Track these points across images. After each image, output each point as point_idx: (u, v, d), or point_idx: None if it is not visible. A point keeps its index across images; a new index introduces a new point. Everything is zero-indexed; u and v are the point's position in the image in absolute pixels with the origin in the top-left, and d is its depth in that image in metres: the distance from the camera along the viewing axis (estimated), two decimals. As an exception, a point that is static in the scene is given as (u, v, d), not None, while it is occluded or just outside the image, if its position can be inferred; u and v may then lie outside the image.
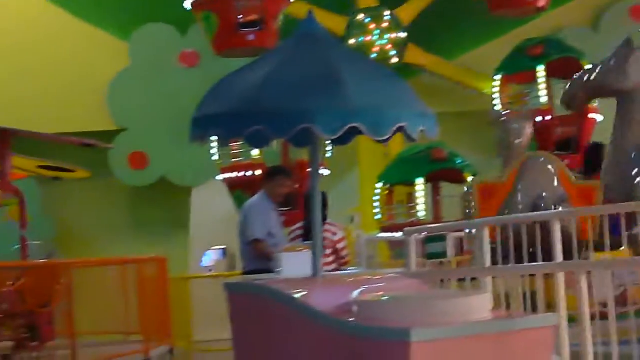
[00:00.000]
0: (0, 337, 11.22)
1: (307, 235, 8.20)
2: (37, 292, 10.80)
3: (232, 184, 16.27)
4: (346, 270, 9.54)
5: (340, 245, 9.68)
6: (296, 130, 5.48)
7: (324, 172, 15.80)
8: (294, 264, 6.45)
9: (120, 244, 17.53)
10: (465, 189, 12.99)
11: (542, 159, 11.02)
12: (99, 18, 17.93)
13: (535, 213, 9.50)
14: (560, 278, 7.61)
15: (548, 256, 7.89)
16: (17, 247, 11.56)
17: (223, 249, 16.14)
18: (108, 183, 17.79)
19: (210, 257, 16.33)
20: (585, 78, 9.79)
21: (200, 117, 5.80)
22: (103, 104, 17.71)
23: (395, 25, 17.37)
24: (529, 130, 11.48)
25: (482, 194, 10.79)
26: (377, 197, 16.39)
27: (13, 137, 11.52)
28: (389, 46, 17.31)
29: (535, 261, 7.98)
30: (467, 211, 11.84)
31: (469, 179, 15.37)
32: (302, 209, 8.81)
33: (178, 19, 16.92)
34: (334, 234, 9.65)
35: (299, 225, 9.14)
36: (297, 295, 5.49)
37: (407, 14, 17.68)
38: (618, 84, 9.53)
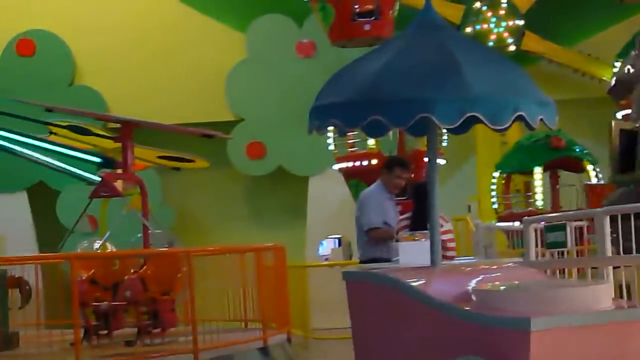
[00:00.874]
0: (123, 324, 11.51)
1: (414, 225, 8.16)
2: (159, 280, 11.03)
3: (348, 173, 16.34)
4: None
5: (445, 237, 9.61)
6: (414, 120, 5.47)
7: (441, 161, 15.74)
8: (411, 252, 6.45)
9: (238, 233, 17.77)
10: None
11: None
12: (217, 10, 18.18)
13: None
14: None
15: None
16: (139, 235, 11.81)
17: (338, 238, 16.23)
18: (226, 173, 18.04)
19: (326, 246, 16.45)
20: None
21: (319, 107, 5.85)
22: (221, 95, 17.96)
23: (512, 12, 17.18)
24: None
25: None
26: (494, 186, 16.27)
27: (135, 128, 11.76)
28: (506, 34, 17.14)
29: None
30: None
31: (588, 167, 15.15)
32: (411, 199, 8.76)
33: (294, 10, 17.05)
34: (440, 225, 9.59)
35: (406, 215, 9.13)
36: (415, 284, 5.51)
37: (524, 0, 17.47)
38: None
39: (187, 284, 10.46)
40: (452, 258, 9.72)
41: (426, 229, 6.43)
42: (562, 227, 8.74)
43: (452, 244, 9.69)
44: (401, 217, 9.15)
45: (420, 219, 7.62)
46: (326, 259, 16.01)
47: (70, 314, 10.16)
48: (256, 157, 17.87)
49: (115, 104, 17.56)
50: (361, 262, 9.79)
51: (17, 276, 12.19)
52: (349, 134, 15.64)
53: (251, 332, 11.46)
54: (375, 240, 9.48)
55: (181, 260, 11.00)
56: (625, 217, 8.20)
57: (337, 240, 16.38)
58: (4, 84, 17.22)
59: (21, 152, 11.92)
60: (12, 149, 11.90)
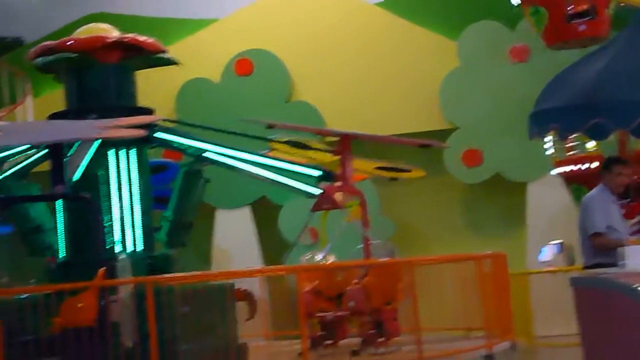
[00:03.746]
0: (347, 334, 11.71)
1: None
2: (381, 290, 11.16)
3: (568, 178, 16.02)
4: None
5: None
6: (638, 122, 5.36)
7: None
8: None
9: (456, 241, 17.70)
10: None
11: None
12: (427, 20, 18.22)
13: None
14: None
15: None
16: (360, 246, 11.97)
17: (559, 243, 15.93)
18: (442, 181, 18.00)
19: (547, 252, 16.17)
20: None
21: (539, 113, 5.82)
22: (435, 103, 17.97)
23: None
24: None
25: None
26: None
27: (353, 140, 11.95)
28: None
29: None
30: None
31: None
32: None
33: (506, 14, 16.87)
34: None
35: (637, 219, 8.88)
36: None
37: None
38: None
39: (409, 293, 10.53)
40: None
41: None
42: None
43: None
44: (633, 220, 8.92)
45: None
46: (547, 265, 15.75)
47: (296, 324, 10.42)
48: (473, 164, 17.76)
49: (331, 117, 17.84)
50: (585, 267, 9.61)
51: (243, 289, 12.59)
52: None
53: (474, 341, 11.42)
54: (601, 248, 9.29)
55: (402, 270, 11.09)
56: None
57: (558, 246, 16.08)
58: (225, 104, 17.83)
59: (244, 169, 12.31)
60: (235, 166, 12.31)
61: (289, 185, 12.17)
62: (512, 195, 17.62)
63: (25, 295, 10.65)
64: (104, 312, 9.36)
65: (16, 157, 12.16)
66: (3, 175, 12.12)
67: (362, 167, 12.90)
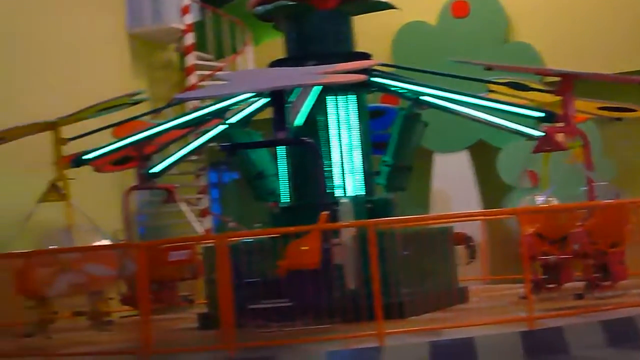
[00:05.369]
0: (572, 277, 11.50)
1: None
2: (606, 232, 10.88)
3: None
4: None
5: None
6: None
7: None
8: None
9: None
10: None
11: None
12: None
13: None
14: None
15: None
16: (583, 188, 11.70)
17: None
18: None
19: None
20: None
21: None
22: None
23: None
24: None
25: None
26: None
27: (575, 80, 11.63)
28: None
29: None
30: None
31: None
32: None
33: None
34: None
35: None
36: None
37: None
38: None
39: (636, 235, 10.23)
40: None
41: None
42: None
43: None
44: None
45: None
46: None
47: (516, 268, 10.31)
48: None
49: (550, 57, 17.44)
50: None
51: (463, 232, 12.57)
52: None
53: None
54: None
55: (629, 212, 10.78)
56: None
57: None
58: (442, 46, 17.71)
59: (462, 111, 12.20)
60: (453, 109, 12.22)
61: (508, 127, 11.98)
62: None
63: (252, 239, 10.99)
64: (328, 255, 9.53)
65: (238, 105, 12.50)
66: (227, 123, 12.49)
67: (584, 107, 12.57)
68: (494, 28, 18.06)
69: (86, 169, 13.00)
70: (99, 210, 13.57)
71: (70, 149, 12.93)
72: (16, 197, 13.29)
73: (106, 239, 12.21)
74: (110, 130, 13.36)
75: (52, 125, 12.98)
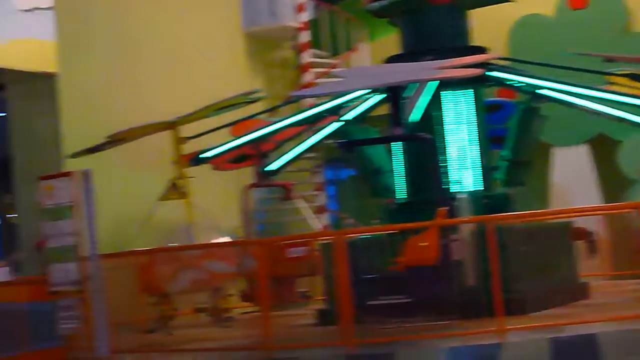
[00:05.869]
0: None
1: None
2: None
3: None
4: None
5: None
6: None
7: None
8: None
9: None
10: None
11: None
12: None
13: None
14: None
15: None
16: None
17: None
18: None
19: None
20: None
21: None
22: None
23: None
24: None
25: None
26: None
27: None
28: None
29: None
30: None
31: None
32: None
33: None
34: None
35: None
36: None
37: None
38: None
39: None
40: None
41: None
42: None
43: None
44: None
45: None
46: None
47: (638, 264, 10.09)
48: None
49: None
50: None
51: (583, 227, 12.35)
52: None
53: None
54: None
55: None
56: None
57: None
58: (560, 39, 17.41)
59: (582, 105, 11.99)
60: (571, 102, 12.01)
61: (630, 120, 11.71)
62: None
63: (369, 235, 10.99)
64: (447, 251, 9.48)
65: (354, 102, 12.51)
66: (343, 120, 12.52)
67: None
68: (613, 19, 17.69)
69: (205, 168, 13.19)
70: (218, 208, 13.77)
71: (190, 147, 13.14)
72: (138, 196, 13.58)
73: (226, 236, 12.37)
74: (227, 128, 13.54)
75: (171, 125, 13.22)
